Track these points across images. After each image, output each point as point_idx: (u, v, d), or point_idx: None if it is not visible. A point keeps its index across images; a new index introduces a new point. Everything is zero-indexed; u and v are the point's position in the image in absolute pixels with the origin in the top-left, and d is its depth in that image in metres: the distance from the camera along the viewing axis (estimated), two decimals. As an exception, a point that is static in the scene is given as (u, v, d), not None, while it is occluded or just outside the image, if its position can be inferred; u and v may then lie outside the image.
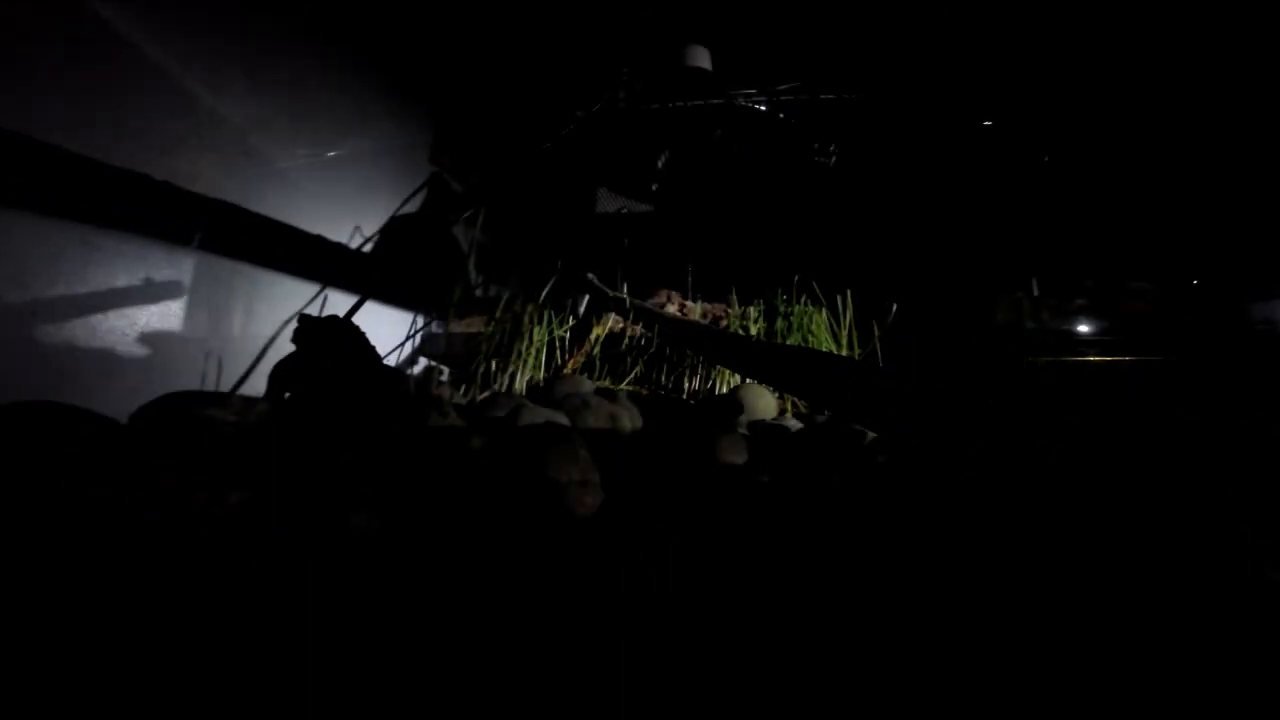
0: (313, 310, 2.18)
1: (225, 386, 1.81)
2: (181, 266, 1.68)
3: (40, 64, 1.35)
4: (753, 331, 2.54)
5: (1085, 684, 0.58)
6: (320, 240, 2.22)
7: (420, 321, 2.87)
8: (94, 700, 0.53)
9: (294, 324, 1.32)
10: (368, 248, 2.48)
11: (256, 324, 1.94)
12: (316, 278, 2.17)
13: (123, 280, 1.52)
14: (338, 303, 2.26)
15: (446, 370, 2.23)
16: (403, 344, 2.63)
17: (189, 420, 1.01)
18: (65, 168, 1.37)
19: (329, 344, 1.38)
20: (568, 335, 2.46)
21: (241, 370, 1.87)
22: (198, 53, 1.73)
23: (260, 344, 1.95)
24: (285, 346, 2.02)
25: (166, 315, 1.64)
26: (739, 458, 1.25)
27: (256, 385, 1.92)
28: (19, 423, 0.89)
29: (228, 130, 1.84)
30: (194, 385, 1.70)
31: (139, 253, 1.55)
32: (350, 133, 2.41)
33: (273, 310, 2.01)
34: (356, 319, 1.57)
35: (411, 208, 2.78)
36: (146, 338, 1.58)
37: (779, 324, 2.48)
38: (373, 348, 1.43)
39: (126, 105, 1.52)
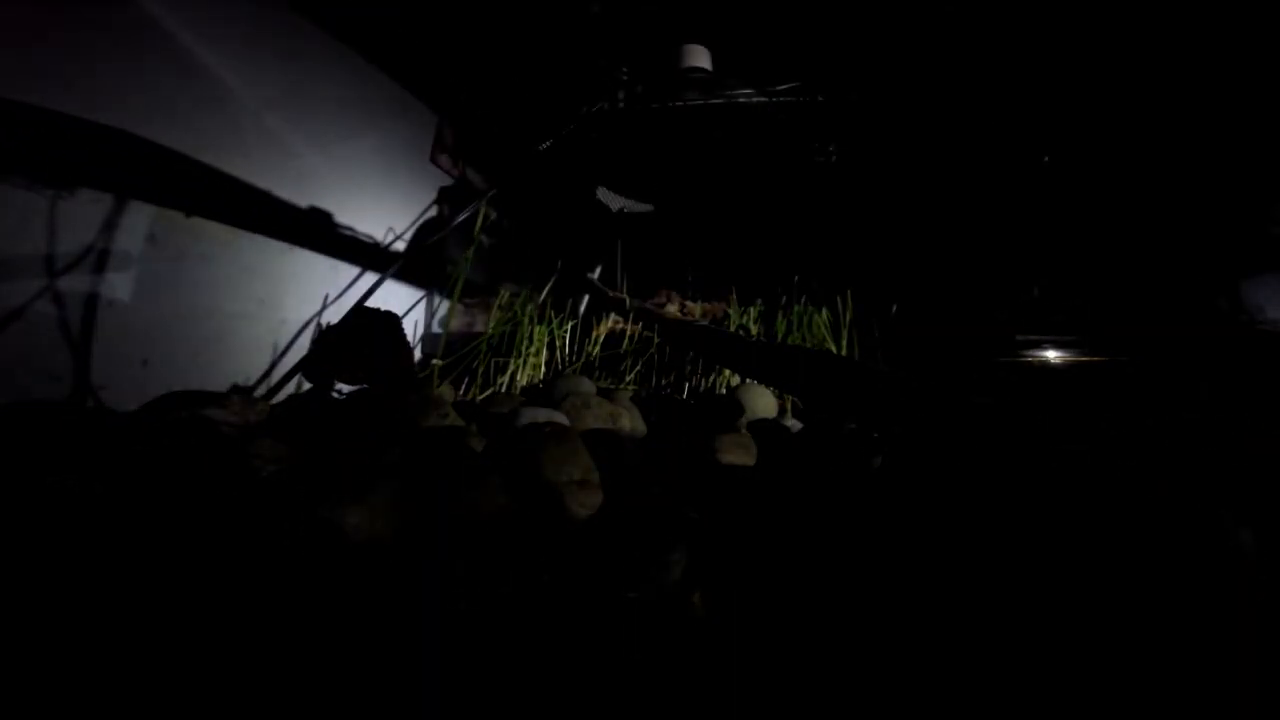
0: (298, 308, 2.18)
1: (221, 383, 1.81)
2: (190, 264, 1.68)
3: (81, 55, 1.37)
4: (753, 331, 2.54)
5: (1081, 684, 0.58)
6: (341, 234, 2.24)
7: (421, 320, 2.87)
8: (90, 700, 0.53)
9: (289, 323, 1.32)
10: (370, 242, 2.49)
11: (260, 325, 1.95)
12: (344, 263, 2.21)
13: (129, 277, 1.52)
14: (334, 307, 2.26)
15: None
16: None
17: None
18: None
19: (377, 338, 1.42)
20: (568, 335, 2.46)
21: (242, 366, 1.88)
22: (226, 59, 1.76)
23: (264, 343, 1.95)
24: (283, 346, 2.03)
25: (175, 312, 1.64)
26: (739, 457, 1.25)
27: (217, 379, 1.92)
28: (19, 423, 0.89)
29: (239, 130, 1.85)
30: (205, 381, 1.70)
31: (147, 249, 1.55)
32: (354, 132, 2.41)
33: (271, 311, 2.01)
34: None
35: (415, 208, 2.78)
36: (151, 335, 1.58)
37: (779, 324, 2.48)
38: (410, 347, 1.47)
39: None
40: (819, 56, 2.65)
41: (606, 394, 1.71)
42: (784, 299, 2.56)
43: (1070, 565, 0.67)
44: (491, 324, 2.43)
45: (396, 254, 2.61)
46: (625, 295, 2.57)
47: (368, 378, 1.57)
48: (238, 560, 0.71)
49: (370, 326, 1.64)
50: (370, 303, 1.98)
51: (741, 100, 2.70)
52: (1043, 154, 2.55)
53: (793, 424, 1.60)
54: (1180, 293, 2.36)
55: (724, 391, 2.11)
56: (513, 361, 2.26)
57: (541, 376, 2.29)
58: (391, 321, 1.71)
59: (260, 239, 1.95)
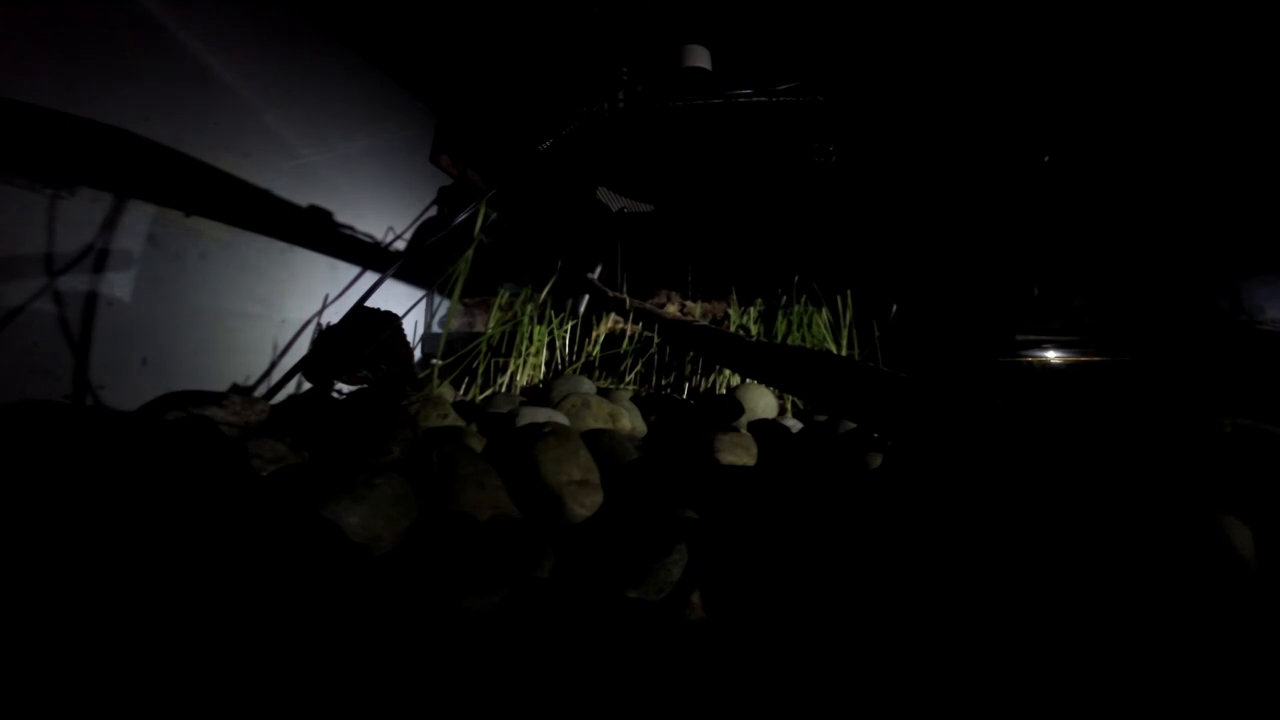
0: (299, 308, 2.18)
1: (221, 383, 1.81)
2: (190, 264, 1.68)
3: (77, 48, 1.37)
4: (753, 331, 2.54)
5: (1076, 682, 0.58)
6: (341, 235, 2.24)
7: (421, 320, 2.87)
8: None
9: (284, 322, 1.33)
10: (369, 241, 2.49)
11: (261, 325, 1.95)
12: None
13: (128, 278, 1.52)
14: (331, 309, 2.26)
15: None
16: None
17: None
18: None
19: (377, 338, 1.44)
20: (568, 335, 2.46)
21: (242, 366, 1.88)
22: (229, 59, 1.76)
23: (266, 341, 1.96)
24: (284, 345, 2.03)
25: (175, 312, 1.64)
26: (739, 457, 1.25)
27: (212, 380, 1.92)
28: (19, 423, 0.89)
29: (241, 134, 1.85)
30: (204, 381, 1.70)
31: (146, 249, 1.55)
32: (355, 132, 2.41)
33: (273, 311, 2.01)
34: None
35: (415, 208, 2.78)
36: (151, 335, 1.58)
37: (779, 324, 2.48)
38: (410, 347, 1.48)
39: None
40: (819, 56, 2.64)
41: (606, 394, 1.71)
42: (784, 299, 2.56)
43: (1072, 563, 0.67)
44: (491, 324, 2.43)
45: (396, 254, 2.61)
46: (625, 295, 2.56)
47: (367, 377, 1.57)
48: (238, 560, 0.71)
49: (370, 326, 1.64)
50: (370, 303, 1.98)
51: (741, 100, 2.70)
52: (1043, 154, 2.55)
53: (793, 424, 1.60)
54: (1180, 293, 2.36)
55: (724, 391, 2.11)
56: (513, 361, 2.26)
57: (541, 376, 2.29)
58: (391, 321, 1.72)
59: (260, 239, 1.95)
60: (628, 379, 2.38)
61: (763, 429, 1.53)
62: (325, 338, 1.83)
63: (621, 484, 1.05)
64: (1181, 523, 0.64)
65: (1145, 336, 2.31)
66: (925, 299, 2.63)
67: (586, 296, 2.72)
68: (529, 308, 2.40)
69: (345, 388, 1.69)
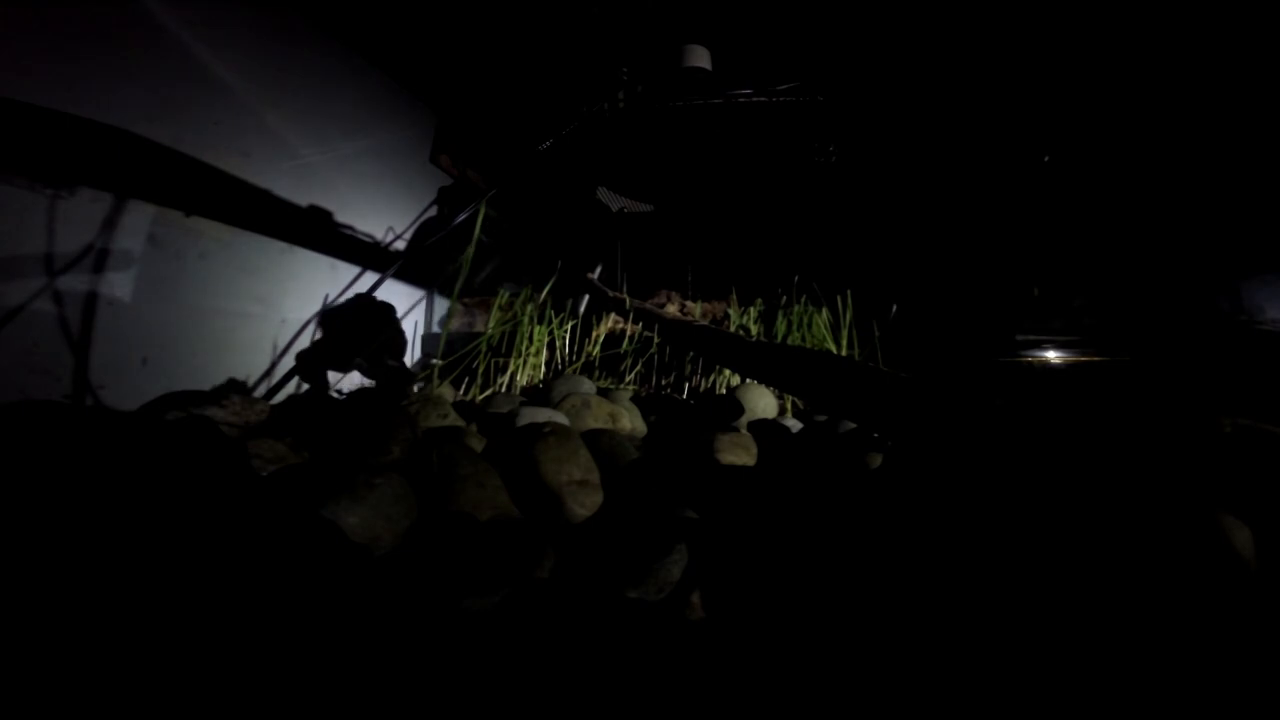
0: (298, 308, 2.18)
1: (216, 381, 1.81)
2: (190, 264, 1.68)
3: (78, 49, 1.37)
4: (753, 331, 2.54)
5: (1075, 681, 0.58)
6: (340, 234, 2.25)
7: (421, 320, 2.87)
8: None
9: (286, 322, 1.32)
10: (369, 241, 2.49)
11: (262, 324, 1.95)
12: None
13: (127, 277, 1.52)
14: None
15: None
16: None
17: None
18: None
19: (373, 329, 1.43)
20: (568, 335, 2.46)
21: (242, 366, 1.88)
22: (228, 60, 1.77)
23: (267, 342, 1.96)
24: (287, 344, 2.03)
25: (175, 312, 1.64)
26: (739, 457, 1.25)
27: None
28: (19, 423, 0.89)
29: (241, 132, 1.85)
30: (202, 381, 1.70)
31: (146, 249, 1.55)
32: (355, 132, 2.41)
33: (274, 311, 2.01)
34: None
35: (415, 208, 2.78)
36: (151, 335, 1.58)
37: (779, 324, 2.48)
38: (405, 337, 1.47)
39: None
40: (819, 56, 2.64)
41: (606, 394, 1.71)
42: (784, 299, 2.56)
43: (1073, 562, 0.67)
44: (491, 324, 2.43)
45: (396, 254, 2.61)
46: (625, 295, 2.56)
47: (361, 365, 1.56)
48: (239, 560, 0.71)
49: (365, 314, 1.63)
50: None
51: (741, 100, 2.70)
52: (1043, 154, 2.55)
53: (793, 424, 1.60)
54: (1180, 293, 2.36)
55: (724, 391, 2.11)
56: (513, 361, 2.26)
57: (541, 376, 2.29)
58: (387, 312, 1.70)
59: (260, 239, 1.95)
60: (628, 379, 2.38)
61: (763, 429, 1.53)
62: (318, 332, 1.82)
63: (621, 484, 1.05)
64: (1181, 523, 0.64)
65: (1145, 336, 2.31)
66: (925, 299, 2.63)
67: (586, 296, 2.72)
68: (529, 308, 2.40)
69: (345, 388, 1.69)
